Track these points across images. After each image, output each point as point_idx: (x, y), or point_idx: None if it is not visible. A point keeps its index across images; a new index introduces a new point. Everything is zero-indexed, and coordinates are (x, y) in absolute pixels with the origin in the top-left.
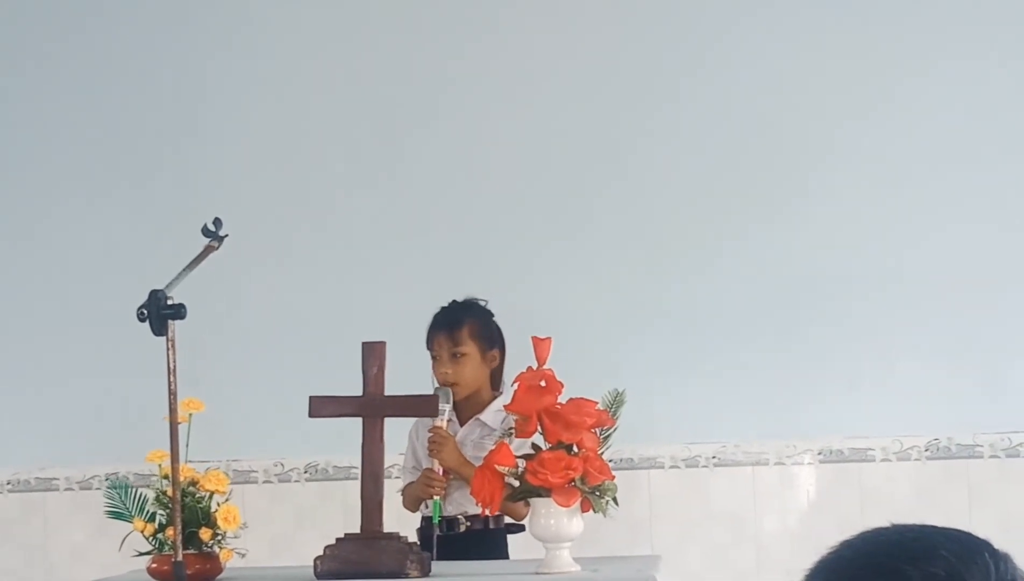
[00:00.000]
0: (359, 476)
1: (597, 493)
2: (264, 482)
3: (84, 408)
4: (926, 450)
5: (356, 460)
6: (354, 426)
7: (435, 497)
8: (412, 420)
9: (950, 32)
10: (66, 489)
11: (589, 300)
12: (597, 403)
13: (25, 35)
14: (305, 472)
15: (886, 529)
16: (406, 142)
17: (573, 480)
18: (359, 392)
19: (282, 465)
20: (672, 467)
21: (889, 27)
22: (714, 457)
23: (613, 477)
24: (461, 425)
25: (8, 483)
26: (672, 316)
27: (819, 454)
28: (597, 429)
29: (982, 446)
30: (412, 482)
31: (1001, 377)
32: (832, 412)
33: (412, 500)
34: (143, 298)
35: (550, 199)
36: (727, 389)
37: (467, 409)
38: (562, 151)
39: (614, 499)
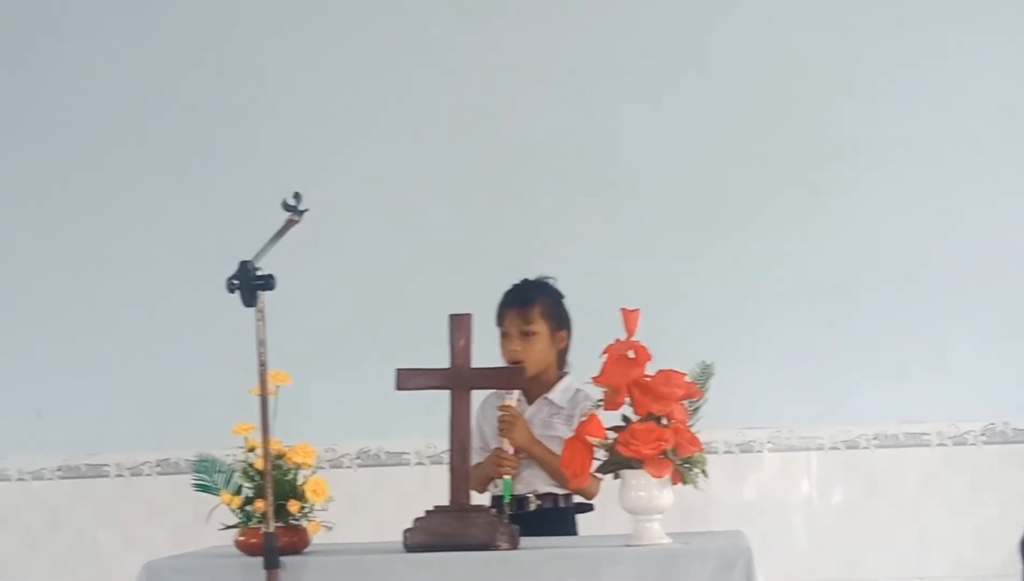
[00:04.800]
0: (409, 461)
1: (687, 465)
2: (316, 468)
3: (133, 394)
4: (982, 434)
5: (407, 446)
6: (406, 412)
7: (506, 476)
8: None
9: (967, 17)
10: (116, 475)
11: (643, 285)
12: (686, 375)
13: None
14: (357, 458)
15: None
16: (479, 121)
17: (665, 452)
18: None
19: (333, 451)
20: (726, 452)
21: (909, 13)
22: (769, 442)
23: (703, 449)
24: (529, 404)
25: (58, 469)
26: (725, 301)
27: (874, 439)
28: (686, 401)
29: None
30: (480, 462)
31: None
32: (887, 396)
33: (481, 480)
34: (192, 283)
35: (605, 187)
36: (782, 374)
37: (534, 388)
38: (615, 138)
39: (704, 471)
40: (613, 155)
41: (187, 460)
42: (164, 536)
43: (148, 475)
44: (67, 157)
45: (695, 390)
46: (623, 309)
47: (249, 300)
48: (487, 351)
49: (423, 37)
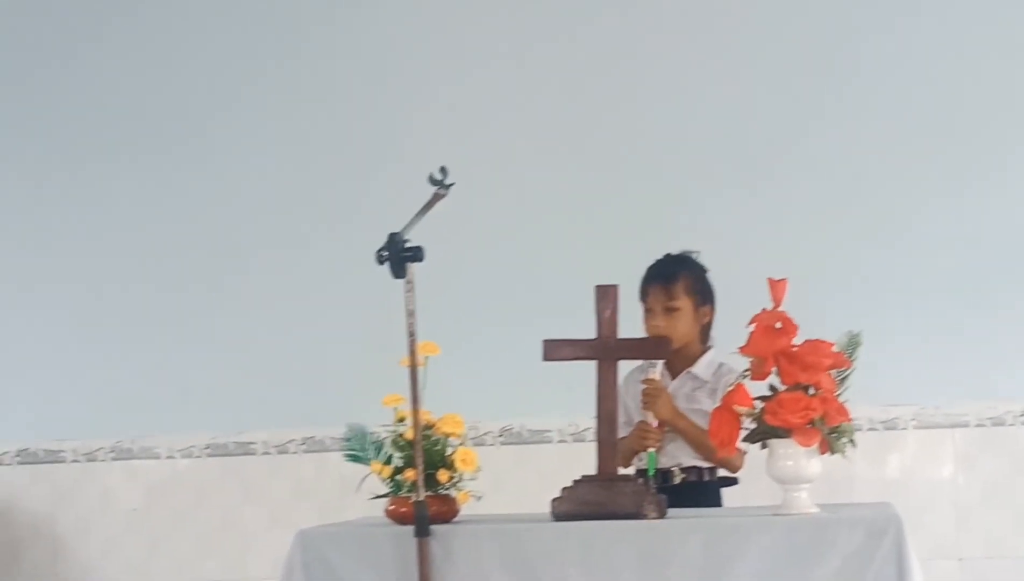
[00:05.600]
0: (551, 439)
1: (835, 434)
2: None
3: (280, 372)
4: None
5: (550, 423)
6: (549, 389)
7: (650, 450)
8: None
9: None
10: (263, 453)
11: (788, 259)
12: (833, 345)
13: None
14: (500, 435)
15: None
16: (626, 96)
17: (812, 421)
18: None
19: (476, 428)
20: (870, 429)
21: None
22: (913, 419)
23: (851, 419)
24: (672, 378)
25: (206, 447)
26: (870, 277)
27: (1021, 415)
28: (834, 371)
29: None
30: (624, 436)
31: None
32: None
33: (625, 453)
34: (337, 257)
35: (753, 162)
36: (927, 350)
37: (678, 363)
38: (763, 113)
39: (852, 440)
40: (762, 129)
41: (332, 438)
42: (310, 513)
43: (294, 453)
44: (205, 143)
45: (843, 359)
46: (770, 279)
47: (399, 272)
48: (628, 325)
49: (569, 15)
